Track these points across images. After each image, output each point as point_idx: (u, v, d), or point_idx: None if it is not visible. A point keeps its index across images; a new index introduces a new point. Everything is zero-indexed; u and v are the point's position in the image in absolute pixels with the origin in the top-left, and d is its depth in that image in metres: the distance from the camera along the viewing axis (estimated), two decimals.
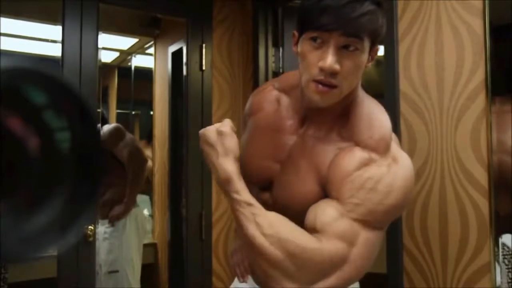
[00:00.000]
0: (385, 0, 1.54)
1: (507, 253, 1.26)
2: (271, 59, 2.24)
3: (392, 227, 1.24)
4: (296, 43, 0.93)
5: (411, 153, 1.47)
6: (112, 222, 2.74)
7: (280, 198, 0.99)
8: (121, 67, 3.65)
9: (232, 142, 0.91)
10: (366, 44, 0.86)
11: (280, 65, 2.25)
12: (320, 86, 0.86)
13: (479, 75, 1.30)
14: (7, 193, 0.41)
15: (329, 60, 0.83)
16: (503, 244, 1.26)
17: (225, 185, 0.88)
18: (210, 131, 0.94)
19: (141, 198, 3.10)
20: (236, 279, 1.25)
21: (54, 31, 1.92)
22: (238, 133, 0.98)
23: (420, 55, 1.47)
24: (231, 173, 0.88)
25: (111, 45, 3.30)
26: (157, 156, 3.09)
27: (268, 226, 0.83)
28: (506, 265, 1.26)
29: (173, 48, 2.57)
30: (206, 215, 2.20)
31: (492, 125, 1.27)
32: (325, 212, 0.86)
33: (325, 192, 0.91)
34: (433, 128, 1.42)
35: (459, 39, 1.36)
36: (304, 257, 0.81)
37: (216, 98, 2.28)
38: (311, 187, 0.93)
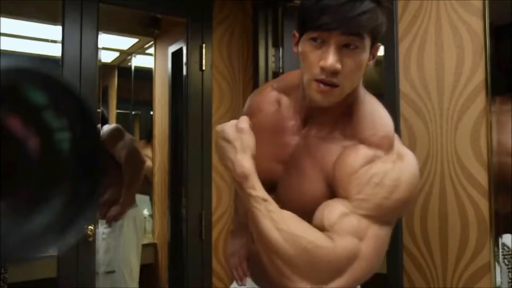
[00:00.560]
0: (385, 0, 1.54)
1: (507, 253, 1.26)
2: (271, 59, 2.24)
3: None
4: (297, 44, 0.93)
5: None
6: (109, 222, 2.74)
7: (286, 198, 0.99)
8: (121, 67, 3.65)
9: (250, 139, 0.91)
10: (367, 42, 0.86)
11: (280, 65, 2.25)
12: (321, 85, 0.86)
13: (479, 75, 1.30)
14: (7, 193, 0.41)
15: (330, 59, 0.83)
16: (503, 244, 1.26)
17: (242, 181, 0.87)
18: (229, 127, 0.93)
19: (141, 198, 3.10)
20: (235, 282, 1.25)
21: (54, 31, 1.92)
22: None
23: (420, 55, 1.47)
24: (249, 169, 0.88)
25: (111, 45, 3.30)
26: (157, 156, 3.09)
27: (283, 222, 0.83)
28: (506, 265, 1.26)
29: (173, 48, 2.57)
30: (206, 215, 2.20)
31: (492, 125, 1.27)
32: (333, 210, 0.86)
33: (332, 191, 0.91)
34: (433, 128, 1.42)
35: (459, 39, 1.36)
36: (317, 254, 0.81)
37: (216, 98, 2.28)
38: (318, 186, 0.94)
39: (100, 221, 2.71)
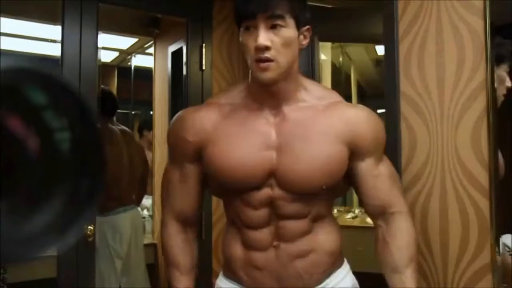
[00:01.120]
0: (386, 0, 1.54)
1: (508, 253, 1.26)
2: None
3: None
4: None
5: (411, 153, 1.47)
6: None
7: (292, 176, 1.05)
8: (121, 67, 3.65)
9: None
10: (290, 22, 1.02)
11: None
12: (260, 64, 1.01)
13: (480, 75, 1.30)
14: (7, 193, 0.41)
15: (260, 38, 0.99)
16: (504, 244, 1.26)
17: None
18: None
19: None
20: (218, 280, 1.26)
21: (54, 31, 1.92)
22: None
23: (421, 55, 1.47)
24: None
25: (110, 44, 3.30)
26: (157, 156, 3.09)
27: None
28: None
29: (173, 48, 2.57)
30: (206, 215, 2.20)
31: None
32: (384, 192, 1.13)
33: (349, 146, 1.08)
34: (433, 128, 1.42)
35: (460, 39, 1.36)
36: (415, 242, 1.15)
37: None
38: (331, 146, 1.06)
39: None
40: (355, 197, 2.75)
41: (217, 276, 1.29)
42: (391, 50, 1.54)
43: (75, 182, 0.44)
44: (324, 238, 1.13)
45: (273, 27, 1.00)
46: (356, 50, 3.66)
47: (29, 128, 0.41)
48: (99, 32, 1.94)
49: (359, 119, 1.10)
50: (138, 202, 3.03)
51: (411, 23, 1.49)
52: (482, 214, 1.29)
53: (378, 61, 3.52)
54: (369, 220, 2.68)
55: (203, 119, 1.12)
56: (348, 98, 3.20)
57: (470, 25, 1.33)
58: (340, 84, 3.59)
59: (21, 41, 2.64)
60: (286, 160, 1.05)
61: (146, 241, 3.03)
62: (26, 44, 2.69)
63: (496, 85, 1.26)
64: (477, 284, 1.29)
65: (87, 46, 1.88)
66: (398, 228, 1.13)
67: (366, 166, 1.11)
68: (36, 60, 0.40)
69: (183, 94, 2.30)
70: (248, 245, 1.11)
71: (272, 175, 1.06)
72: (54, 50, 1.90)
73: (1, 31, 2.05)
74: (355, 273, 1.24)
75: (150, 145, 3.25)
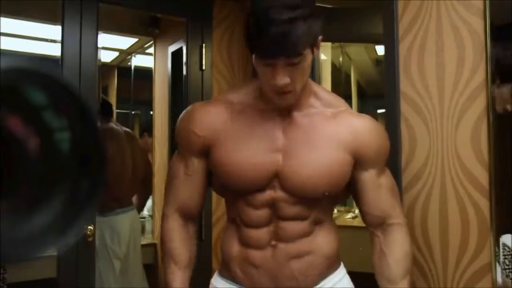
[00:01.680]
0: (386, 0, 1.54)
1: (508, 253, 1.26)
2: None
3: None
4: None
5: (411, 153, 1.47)
6: None
7: (295, 178, 1.05)
8: (120, 66, 3.65)
9: None
10: (308, 51, 0.97)
11: None
12: (277, 94, 1.00)
13: (480, 75, 1.30)
14: (7, 193, 0.41)
15: (279, 79, 0.96)
16: (504, 244, 1.26)
17: None
18: None
19: None
20: (213, 279, 1.25)
21: (54, 31, 1.92)
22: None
23: (421, 55, 1.47)
24: None
25: (110, 44, 3.30)
26: (157, 156, 3.09)
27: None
28: (507, 265, 1.26)
29: (173, 47, 2.57)
30: (206, 215, 2.20)
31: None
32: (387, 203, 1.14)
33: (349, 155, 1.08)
34: (433, 128, 1.42)
35: (460, 39, 1.36)
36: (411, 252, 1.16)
37: None
38: (336, 154, 1.07)
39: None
40: None
41: None
42: (391, 50, 1.54)
43: (75, 182, 0.44)
44: (322, 241, 1.13)
45: (291, 63, 0.96)
46: (356, 50, 3.66)
47: (29, 128, 0.41)
48: (99, 32, 1.94)
49: (365, 130, 1.11)
50: (142, 206, 3.02)
51: (411, 23, 1.49)
52: (482, 214, 1.29)
53: (378, 61, 3.52)
54: None
55: (213, 115, 1.12)
56: (348, 98, 3.20)
57: (470, 25, 1.33)
58: (340, 84, 3.59)
59: (21, 41, 2.64)
60: (291, 164, 1.05)
61: (146, 241, 3.03)
62: (26, 44, 2.69)
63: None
64: (477, 284, 1.29)
65: (87, 46, 1.88)
66: (396, 239, 1.14)
67: (368, 177, 1.12)
68: (36, 60, 0.40)
69: (183, 94, 2.30)
70: (246, 243, 1.12)
71: (276, 177, 1.06)
72: (54, 50, 1.91)
73: (1, 31, 2.04)
74: (355, 273, 1.24)
75: (149, 149, 3.26)
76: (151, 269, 2.92)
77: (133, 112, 3.77)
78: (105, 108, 2.83)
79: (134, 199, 2.94)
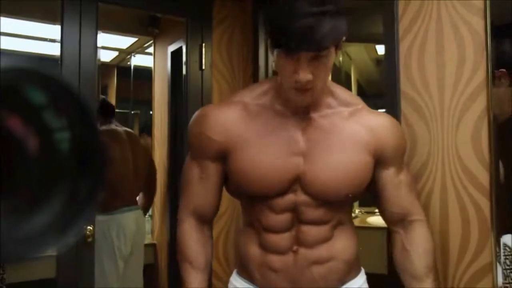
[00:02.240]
0: (386, 0, 1.54)
1: (509, 253, 1.26)
2: (271, 59, 2.24)
3: None
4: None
5: (412, 152, 1.47)
6: None
7: (317, 182, 1.05)
8: (120, 66, 3.65)
9: None
10: (332, 49, 0.96)
11: None
12: (298, 91, 0.98)
13: (480, 75, 1.30)
14: (7, 193, 0.41)
15: (302, 74, 0.94)
16: (505, 244, 1.26)
17: None
18: None
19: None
20: (232, 278, 1.25)
21: (53, 31, 1.92)
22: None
23: (421, 54, 1.47)
24: None
25: (110, 44, 3.30)
26: (156, 156, 3.09)
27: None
28: (508, 265, 1.26)
29: (172, 47, 2.57)
30: None
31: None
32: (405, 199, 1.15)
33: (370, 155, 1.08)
34: (434, 128, 1.42)
35: (460, 39, 1.36)
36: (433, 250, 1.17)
37: (216, 98, 2.28)
38: (357, 155, 1.07)
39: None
40: None
41: (217, 277, 1.29)
42: (392, 50, 1.54)
43: (75, 182, 0.44)
44: (343, 246, 1.12)
45: (315, 57, 0.94)
46: (356, 50, 3.66)
47: (29, 128, 0.41)
48: (99, 32, 1.93)
49: (383, 128, 1.11)
50: (149, 204, 3.01)
51: (412, 22, 1.49)
52: (482, 213, 1.29)
53: (378, 60, 3.52)
54: (369, 220, 2.68)
55: (228, 118, 1.09)
56: None
57: (471, 25, 1.33)
58: (340, 84, 3.57)
59: (21, 41, 2.64)
60: (312, 167, 1.04)
61: (145, 242, 3.03)
62: (26, 43, 2.69)
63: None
64: (478, 284, 1.29)
65: (86, 45, 1.88)
66: (418, 236, 1.15)
67: (389, 174, 1.12)
68: (35, 59, 0.40)
69: (182, 94, 2.30)
70: (266, 248, 1.10)
71: (297, 181, 1.05)
72: (54, 50, 1.90)
73: (1, 31, 2.04)
74: None
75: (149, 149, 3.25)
76: (151, 269, 2.92)
77: (132, 112, 3.77)
78: (107, 109, 2.83)
79: (139, 199, 2.93)
